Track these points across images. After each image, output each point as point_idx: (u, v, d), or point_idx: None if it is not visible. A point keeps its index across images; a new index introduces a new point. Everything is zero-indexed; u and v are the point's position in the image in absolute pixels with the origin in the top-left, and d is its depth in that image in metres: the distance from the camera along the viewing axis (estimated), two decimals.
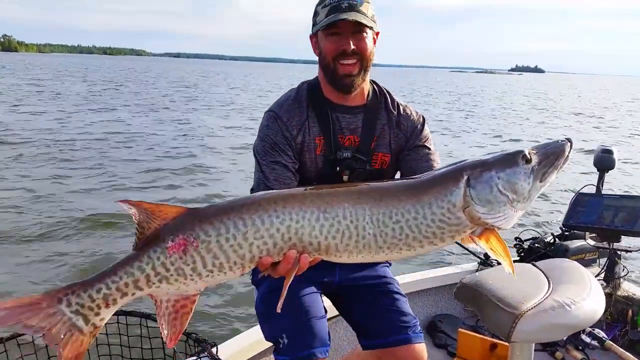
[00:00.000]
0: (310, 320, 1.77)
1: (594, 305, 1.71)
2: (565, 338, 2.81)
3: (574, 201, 3.12)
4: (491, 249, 1.26)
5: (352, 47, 1.68)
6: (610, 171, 3.21)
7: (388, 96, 1.88)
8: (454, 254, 4.55)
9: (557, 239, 3.24)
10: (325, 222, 1.21)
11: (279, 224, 1.20)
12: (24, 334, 1.26)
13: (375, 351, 1.88)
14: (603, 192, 3.18)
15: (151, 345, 2.13)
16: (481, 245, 1.27)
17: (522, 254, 3.29)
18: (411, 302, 3.03)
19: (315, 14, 1.74)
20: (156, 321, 2.24)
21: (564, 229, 3.21)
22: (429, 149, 1.84)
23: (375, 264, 1.98)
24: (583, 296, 1.70)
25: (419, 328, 1.86)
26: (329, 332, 1.81)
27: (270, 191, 1.32)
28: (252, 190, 1.75)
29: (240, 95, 31.58)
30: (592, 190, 3.20)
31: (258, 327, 2.60)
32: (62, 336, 1.18)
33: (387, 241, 1.24)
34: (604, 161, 3.19)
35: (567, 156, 1.28)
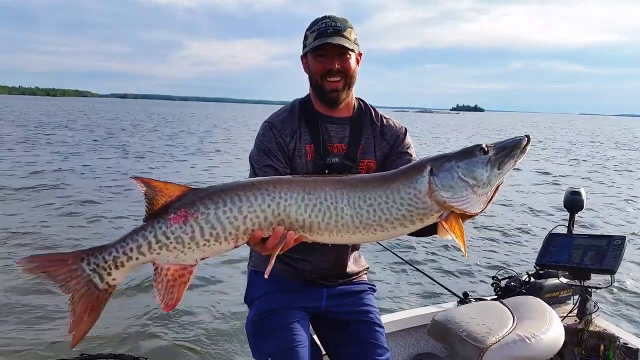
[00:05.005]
0: (295, 348, 1.88)
1: (552, 338, 1.84)
2: None
3: (546, 241, 3.26)
4: (452, 231, 1.43)
5: (337, 66, 1.88)
6: (579, 212, 3.38)
7: (372, 110, 2.08)
8: (434, 293, 4.65)
9: (532, 278, 3.36)
10: (309, 202, 1.39)
11: (270, 201, 1.37)
12: None
13: None
14: (574, 231, 3.34)
15: None
16: (444, 225, 1.43)
17: (500, 292, 3.40)
18: (393, 341, 3.12)
19: (305, 37, 1.95)
20: None
21: (537, 268, 3.34)
22: (411, 155, 2.02)
23: (361, 292, 2.10)
24: (543, 330, 1.83)
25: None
26: None
27: (264, 177, 1.50)
28: None
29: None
30: (564, 230, 3.36)
31: None
32: (80, 288, 1.39)
33: (363, 222, 1.41)
34: (573, 202, 3.36)
35: (524, 148, 1.45)
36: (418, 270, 3.90)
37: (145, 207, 1.41)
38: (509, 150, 1.44)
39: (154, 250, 1.37)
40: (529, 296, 2.51)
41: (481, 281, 6.39)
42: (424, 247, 8.03)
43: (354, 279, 2.12)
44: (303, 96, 2.07)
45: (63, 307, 5.18)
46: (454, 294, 3.46)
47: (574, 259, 3.06)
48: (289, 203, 1.39)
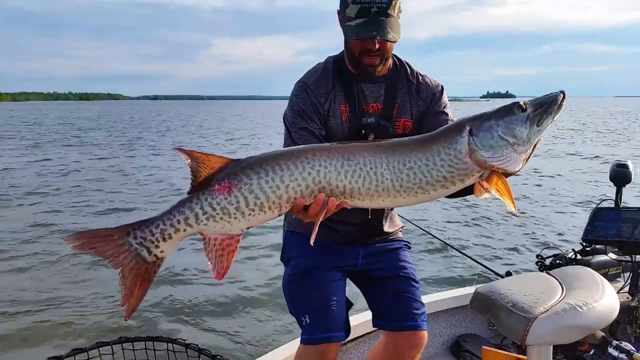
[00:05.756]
0: (332, 307, 1.91)
1: (606, 307, 1.74)
2: (592, 352, 2.78)
3: (592, 216, 3.13)
4: (497, 190, 1.41)
5: (377, 46, 1.78)
6: (627, 185, 3.22)
7: (408, 67, 2.00)
8: (475, 274, 4.54)
9: (578, 255, 3.23)
10: (349, 168, 1.39)
11: (310, 169, 1.38)
12: None
13: (389, 332, 2.06)
14: (621, 205, 3.19)
15: None
16: (487, 187, 1.42)
17: (544, 271, 3.28)
18: (434, 322, 3.05)
19: (344, 3, 1.78)
20: (181, 345, 2.35)
21: (584, 244, 3.20)
22: (447, 114, 1.96)
23: (396, 249, 2.11)
24: (595, 298, 1.73)
25: (426, 315, 2.01)
26: (348, 319, 1.97)
27: (302, 146, 1.49)
28: None
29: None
30: (611, 205, 3.21)
31: (278, 349, 2.66)
32: (128, 262, 1.39)
33: (403, 185, 1.41)
34: (620, 175, 3.21)
35: (561, 104, 1.43)
36: (457, 250, 3.80)
37: (190, 179, 1.41)
38: (547, 106, 1.42)
39: (201, 221, 1.38)
40: (577, 266, 2.40)
41: (523, 260, 6.22)
42: (464, 227, 7.90)
43: (389, 236, 2.12)
44: (336, 54, 1.99)
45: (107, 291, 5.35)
46: (496, 274, 3.37)
47: (623, 232, 2.92)
48: (329, 170, 1.39)
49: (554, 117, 1.43)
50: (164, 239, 1.39)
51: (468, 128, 1.41)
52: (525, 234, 7.68)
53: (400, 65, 2.00)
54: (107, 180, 13.06)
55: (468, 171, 1.41)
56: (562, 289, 1.84)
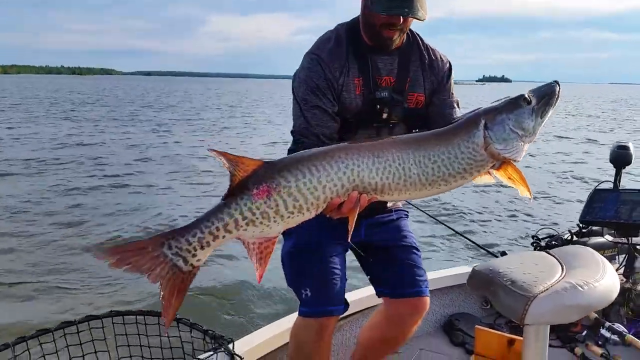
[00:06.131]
0: (334, 280, 1.91)
1: (607, 287, 1.71)
2: (584, 333, 2.78)
3: (590, 197, 3.10)
4: (510, 178, 1.50)
5: (400, 22, 1.74)
6: (627, 167, 3.20)
7: (420, 40, 1.94)
8: (469, 254, 4.53)
9: (574, 236, 3.21)
10: (380, 166, 1.43)
11: (345, 168, 1.40)
12: None
13: (393, 300, 2.07)
14: (620, 187, 3.16)
15: (170, 344, 2.18)
16: (499, 177, 1.51)
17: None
18: None
19: None
20: (174, 320, 2.31)
21: (581, 225, 3.18)
22: (453, 94, 1.96)
23: (397, 219, 2.12)
24: (596, 277, 1.70)
25: (428, 282, 2.06)
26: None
27: (331, 145, 1.48)
28: (293, 133, 1.84)
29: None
30: (609, 186, 3.19)
31: (275, 323, 2.63)
32: (165, 274, 1.35)
33: (429, 179, 1.46)
34: (620, 157, 3.18)
35: (558, 95, 1.51)
36: (452, 229, 3.77)
37: (230, 180, 1.38)
38: (548, 98, 1.50)
39: (241, 227, 1.36)
40: (577, 245, 2.38)
41: (518, 241, 6.24)
42: (457, 206, 7.89)
43: (391, 207, 2.11)
44: (348, 20, 1.91)
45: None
46: (491, 253, 3.35)
47: (621, 214, 2.90)
48: (362, 168, 1.42)
49: (553, 108, 1.51)
50: (202, 247, 1.36)
51: (483, 122, 1.47)
52: (519, 214, 7.70)
53: (412, 38, 1.93)
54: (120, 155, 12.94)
55: (484, 162, 1.48)
56: (562, 268, 1.81)
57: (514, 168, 1.50)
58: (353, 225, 1.46)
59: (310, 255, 1.93)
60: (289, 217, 1.39)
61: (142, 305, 4.42)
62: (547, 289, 1.67)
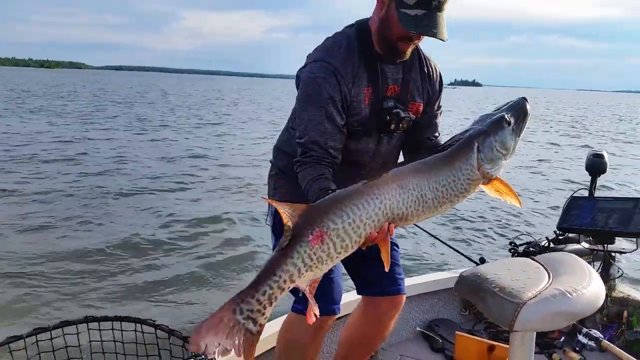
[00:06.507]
0: (334, 278, 1.92)
1: (595, 294, 1.72)
2: (562, 339, 2.82)
3: (567, 205, 3.15)
4: (497, 191, 1.61)
5: (420, 38, 1.75)
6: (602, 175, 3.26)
7: (419, 48, 1.93)
8: (447, 264, 4.56)
9: (551, 243, 3.25)
10: (404, 195, 1.50)
11: (379, 204, 1.46)
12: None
13: (373, 298, 2.12)
14: (595, 195, 3.23)
15: (146, 352, 2.11)
16: (487, 191, 1.62)
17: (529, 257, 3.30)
18: (407, 306, 3.03)
19: None
20: (150, 325, 2.24)
21: (558, 232, 3.23)
22: (440, 107, 2.02)
23: None
24: (584, 284, 1.71)
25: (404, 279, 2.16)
26: None
27: (362, 182, 1.49)
28: (301, 144, 1.76)
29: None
30: (585, 193, 3.25)
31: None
32: (237, 341, 1.31)
33: (440, 201, 1.55)
34: (595, 165, 3.25)
35: (529, 113, 1.64)
36: (430, 235, 3.77)
37: (287, 232, 1.38)
38: (523, 116, 1.62)
39: (302, 274, 1.38)
40: (562, 252, 2.41)
41: (496, 249, 6.31)
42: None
43: None
44: (357, 24, 1.86)
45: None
46: (470, 260, 3.36)
47: (598, 222, 2.95)
48: (392, 201, 1.48)
49: (526, 125, 1.64)
50: (271, 303, 1.34)
51: (476, 145, 1.57)
52: (493, 221, 7.81)
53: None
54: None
55: (478, 181, 1.59)
56: (549, 275, 1.82)
57: (501, 182, 1.61)
58: (389, 253, 1.52)
59: None
60: (336, 257, 1.42)
61: (118, 311, 4.29)
62: (535, 296, 1.67)
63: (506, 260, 2.27)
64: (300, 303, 1.90)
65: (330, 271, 1.87)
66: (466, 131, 1.62)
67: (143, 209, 7.95)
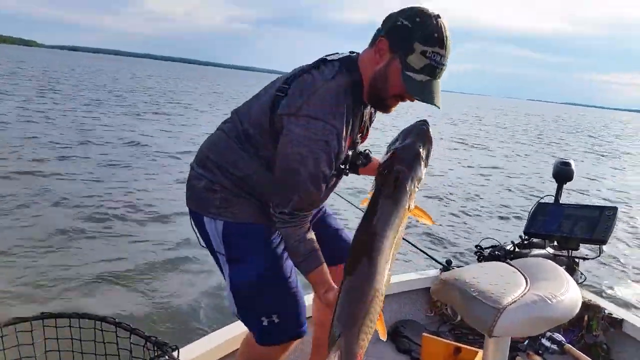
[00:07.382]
0: (297, 294, 1.87)
1: (573, 300, 1.73)
2: (526, 343, 2.85)
3: (534, 210, 3.21)
4: (415, 215, 1.67)
5: (413, 99, 1.73)
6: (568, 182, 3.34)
7: None
8: (412, 262, 4.57)
9: (517, 247, 3.30)
10: (394, 257, 1.62)
11: (389, 277, 1.60)
12: None
13: (332, 268, 1.99)
14: (560, 202, 3.30)
15: (105, 351, 2.00)
16: (412, 216, 1.67)
17: (482, 262, 3.33)
18: None
19: (408, 43, 1.61)
20: (111, 323, 2.12)
21: (524, 237, 3.27)
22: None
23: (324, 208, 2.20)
24: (562, 291, 1.71)
25: None
26: None
27: (371, 272, 1.53)
28: (296, 206, 1.72)
29: None
30: (551, 200, 3.31)
31: (222, 330, 2.49)
32: None
33: (399, 237, 1.61)
34: (562, 173, 3.32)
35: (433, 140, 1.70)
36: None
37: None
38: (429, 145, 1.66)
39: None
40: (539, 257, 2.43)
41: (462, 252, 6.39)
42: None
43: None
44: (346, 70, 1.73)
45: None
46: (437, 261, 3.37)
47: (564, 228, 3.01)
48: (390, 271, 1.60)
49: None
50: None
51: (408, 187, 1.62)
52: (465, 226, 7.93)
53: None
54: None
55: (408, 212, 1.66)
56: (526, 280, 1.82)
57: (417, 207, 1.66)
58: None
59: (283, 279, 1.84)
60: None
61: (76, 307, 4.09)
62: (515, 301, 1.66)
63: (483, 264, 2.27)
64: (270, 334, 1.84)
65: (298, 291, 1.88)
66: (392, 163, 1.61)
67: (84, 196, 7.60)
